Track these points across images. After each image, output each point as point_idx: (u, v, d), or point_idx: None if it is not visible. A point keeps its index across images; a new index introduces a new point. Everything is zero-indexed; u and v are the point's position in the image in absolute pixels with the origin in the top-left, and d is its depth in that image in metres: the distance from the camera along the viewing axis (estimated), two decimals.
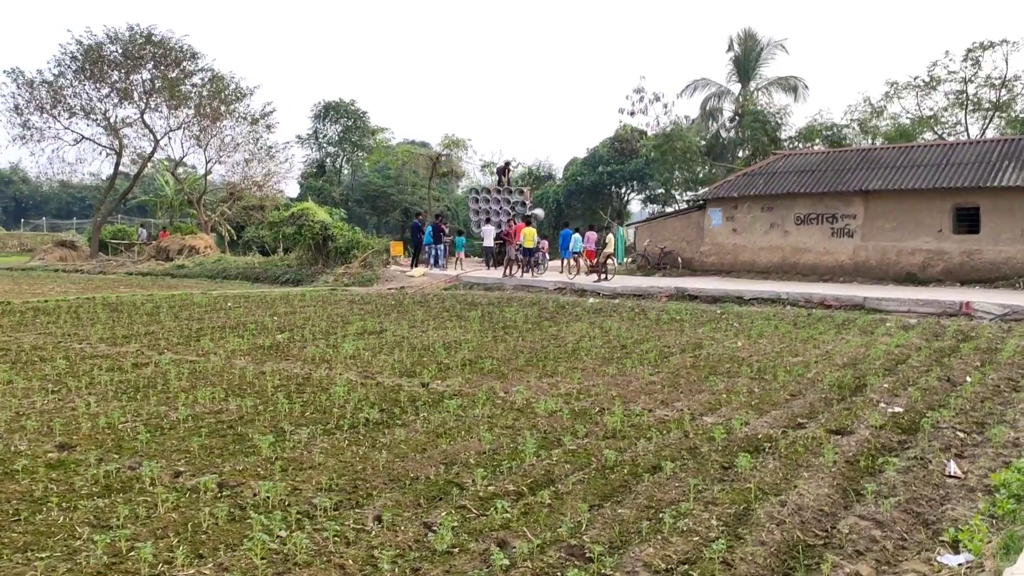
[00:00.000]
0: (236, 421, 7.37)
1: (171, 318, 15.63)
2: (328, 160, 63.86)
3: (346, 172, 65.32)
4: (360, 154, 63.58)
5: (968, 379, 9.68)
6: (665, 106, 47.28)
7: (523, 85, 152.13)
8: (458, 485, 5.63)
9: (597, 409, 8.08)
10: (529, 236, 26.12)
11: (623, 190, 54.70)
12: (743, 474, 5.86)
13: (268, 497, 5.17)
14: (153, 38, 38.27)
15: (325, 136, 62.81)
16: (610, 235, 25.81)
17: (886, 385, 9.37)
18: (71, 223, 64.02)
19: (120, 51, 37.97)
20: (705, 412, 8.05)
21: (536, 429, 7.24)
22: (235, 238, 46.81)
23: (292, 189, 60.55)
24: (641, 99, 46.98)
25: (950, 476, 6.02)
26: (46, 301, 18.62)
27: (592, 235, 26.56)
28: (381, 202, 57.95)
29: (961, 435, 7.14)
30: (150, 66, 38.75)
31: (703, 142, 46.19)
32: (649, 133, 46.98)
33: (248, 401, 7.96)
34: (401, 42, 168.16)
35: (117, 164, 41.50)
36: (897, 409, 8.07)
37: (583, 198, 51.79)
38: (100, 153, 41.22)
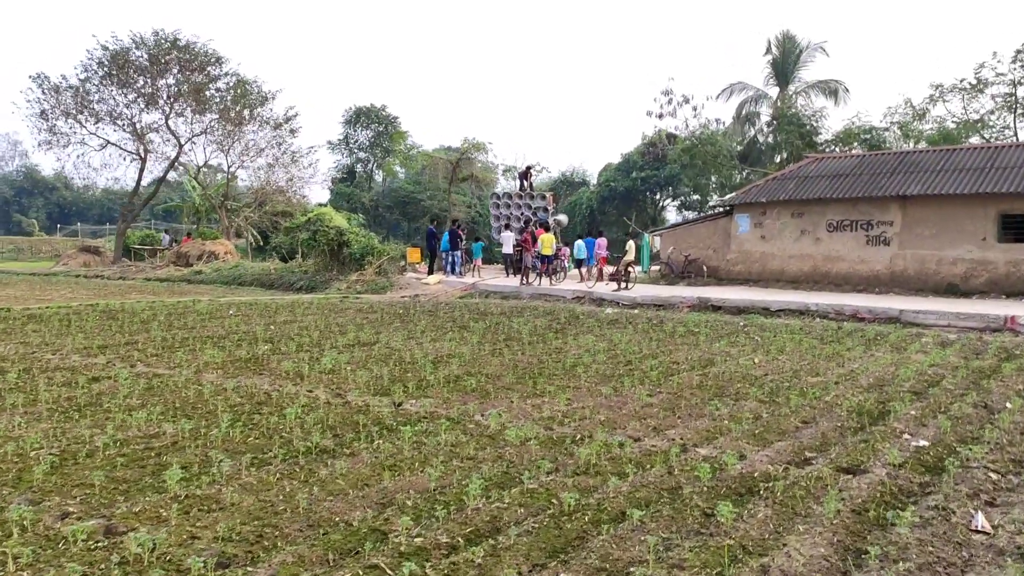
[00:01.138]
0: (166, 448, 6.59)
1: (164, 327, 15.01)
2: (359, 166, 63.44)
3: (378, 178, 64.89)
4: (390, 159, 63.13)
5: (1008, 405, 8.57)
6: (695, 109, 46.00)
7: (559, 89, 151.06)
8: (382, 534, 4.77)
9: (577, 437, 7.17)
10: (547, 243, 25.19)
11: (658, 196, 53.51)
12: (724, 526, 4.92)
13: (144, 551, 4.35)
14: (178, 43, 38.18)
15: (356, 141, 62.40)
16: (631, 242, 24.73)
17: (913, 412, 8.30)
18: (105, 228, 64.47)
19: (146, 56, 37.92)
20: (700, 442, 7.10)
21: (501, 460, 6.36)
22: (261, 244, 46.56)
23: (322, 195, 60.32)
24: (670, 101, 45.80)
25: (976, 531, 5.01)
26: (47, 307, 18.16)
27: (602, 241, 25.54)
28: (411, 208, 57.44)
29: (994, 477, 6.11)
30: (175, 71, 38.65)
31: (739, 147, 44.90)
32: (681, 137, 45.80)
33: (188, 424, 7.17)
34: (434, 48, 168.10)
35: (142, 170, 41.54)
36: (922, 443, 7.03)
37: (617, 204, 50.73)
38: (125, 158, 41.28)
